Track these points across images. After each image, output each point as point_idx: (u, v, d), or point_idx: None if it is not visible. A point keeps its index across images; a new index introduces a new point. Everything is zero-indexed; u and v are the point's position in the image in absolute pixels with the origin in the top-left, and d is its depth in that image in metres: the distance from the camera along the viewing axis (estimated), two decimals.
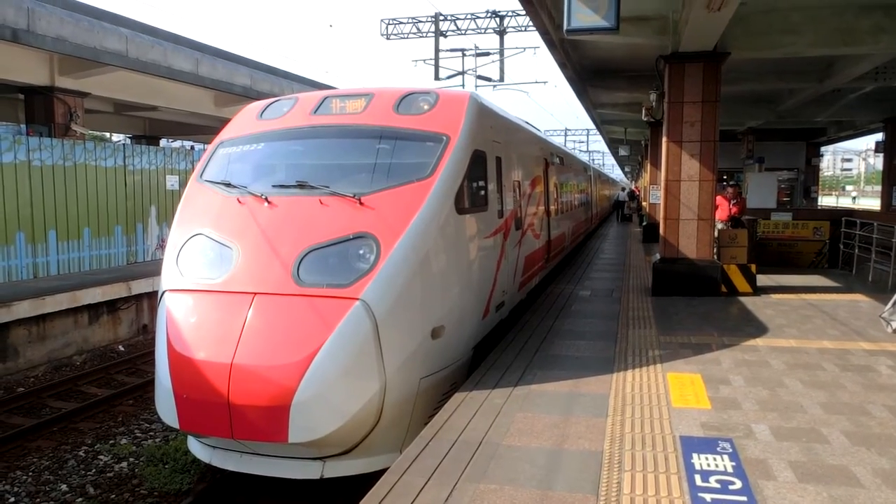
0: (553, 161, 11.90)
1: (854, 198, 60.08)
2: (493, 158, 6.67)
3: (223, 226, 5.28)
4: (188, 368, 4.55)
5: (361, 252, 4.82)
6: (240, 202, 5.40)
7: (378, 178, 5.35)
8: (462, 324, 5.63)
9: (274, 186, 5.48)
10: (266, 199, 5.32)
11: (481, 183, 6.27)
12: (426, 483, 3.63)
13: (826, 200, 48.38)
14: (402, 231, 4.89)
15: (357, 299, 4.56)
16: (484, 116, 6.50)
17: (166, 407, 4.71)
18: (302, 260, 4.81)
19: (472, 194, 5.94)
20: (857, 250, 11.99)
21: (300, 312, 4.57)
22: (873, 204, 41.05)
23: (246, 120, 6.45)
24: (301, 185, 5.34)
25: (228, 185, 5.60)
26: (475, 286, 5.99)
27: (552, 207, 11.29)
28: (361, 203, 5.08)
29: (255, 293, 4.71)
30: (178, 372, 4.60)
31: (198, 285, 4.98)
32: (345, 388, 4.43)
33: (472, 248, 5.95)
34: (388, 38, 23.22)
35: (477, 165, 6.05)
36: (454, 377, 5.55)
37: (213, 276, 4.98)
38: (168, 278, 5.21)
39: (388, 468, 3.87)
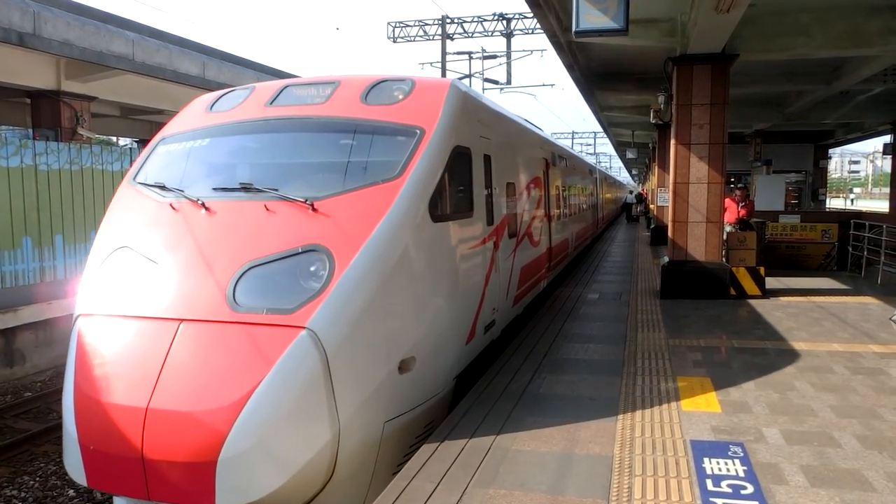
0: (555, 162, 11.26)
1: (852, 200, 59.59)
2: (481, 157, 5.89)
3: (151, 237, 4.45)
4: (96, 414, 3.73)
5: (312, 269, 4.00)
6: (173, 208, 4.57)
7: (337, 179, 4.54)
8: (439, 352, 4.76)
9: (214, 190, 4.64)
10: (203, 204, 4.48)
11: (465, 185, 5.51)
12: (435, 488, 3.62)
13: (834, 203, 48.09)
14: (362, 243, 4.07)
15: (303, 328, 3.73)
16: (469, 108, 5.69)
17: (73, 459, 3.85)
18: (240, 279, 3.98)
19: (452, 198, 5.14)
20: (865, 252, 11.91)
21: (234, 344, 3.75)
22: (873, 206, 40.78)
23: (193, 113, 5.62)
24: (245, 188, 4.50)
25: (163, 188, 4.79)
26: (456, 306, 5.09)
27: (553, 212, 10.66)
28: (314, 209, 4.24)
29: (181, 320, 3.88)
30: (84, 417, 3.78)
31: (115, 310, 4.13)
32: (287, 438, 3.60)
33: (453, 261, 5.10)
34: (394, 41, 23.28)
35: (459, 164, 5.27)
36: (430, 415, 4.69)
37: (133, 298, 4.13)
38: (82, 300, 4.35)
39: None
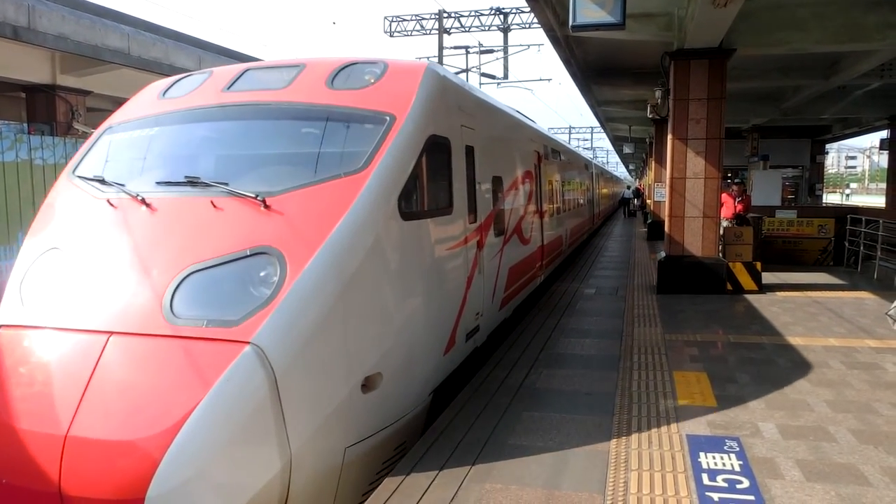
0: (548, 155, 10.80)
1: (847, 195, 59.82)
2: (462, 148, 5.45)
3: (83, 238, 3.99)
4: (9, 442, 3.22)
5: (260, 274, 3.55)
6: (111, 205, 4.10)
7: (294, 172, 4.10)
8: (412, 365, 4.30)
9: (158, 184, 4.17)
10: (143, 200, 4.02)
11: (443, 178, 5.03)
12: (431, 483, 3.62)
13: (830, 198, 48.23)
14: (319, 244, 3.63)
15: (246, 343, 3.26)
16: (448, 94, 5.24)
17: None
18: (179, 286, 3.52)
19: (426, 193, 4.68)
20: (862, 248, 11.94)
21: (168, 362, 3.27)
22: (869, 201, 40.89)
23: (144, 99, 5.15)
24: (192, 183, 4.04)
25: (103, 182, 4.32)
26: (432, 313, 4.61)
27: (546, 207, 10.21)
28: (267, 206, 3.80)
29: (110, 333, 3.39)
30: None
31: (38, 321, 3.63)
32: (228, 469, 3.11)
33: (427, 263, 4.61)
34: (391, 36, 23.19)
35: (435, 155, 4.79)
36: (401, 437, 4.21)
37: (59, 308, 3.64)
38: (5, 309, 3.87)
39: None
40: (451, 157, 5.16)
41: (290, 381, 3.32)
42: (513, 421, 4.52)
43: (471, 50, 24.01)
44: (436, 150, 4.81)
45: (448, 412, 4.69)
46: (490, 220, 6.35)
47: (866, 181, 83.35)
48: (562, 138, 23.51)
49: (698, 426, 4.42)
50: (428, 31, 22.90)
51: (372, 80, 4.62)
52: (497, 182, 6.79)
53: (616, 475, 3.68)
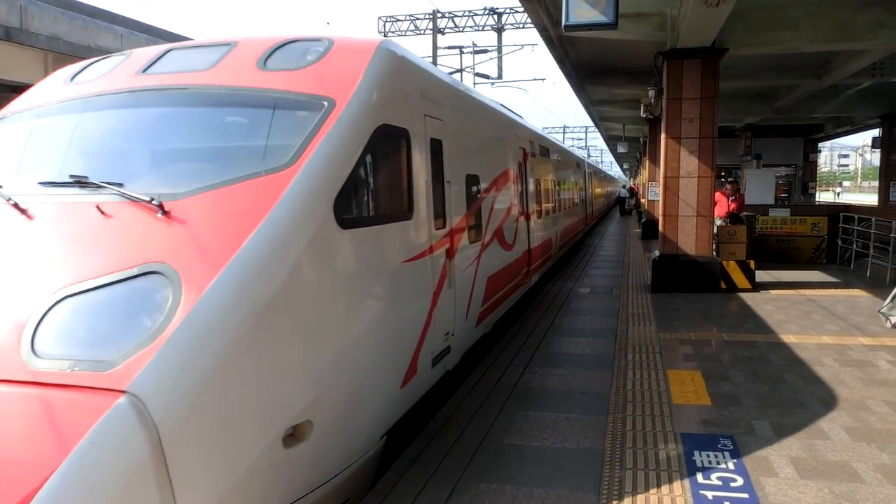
0: (535, 152, 10.04)
1: (837, 193, 60.34)
2: (426, 141, 4.67)
3: None
4: None
5: (149, 300, 2.75)
6: None
7: (204, 169, 3.43)
8: (356, 406, 3.52)
9: (42, 185, 3.42)
10: (16, 205, 3.25)
11: (398, 177, 4.24)
12: (426, 482, 3.62)
13: (823, 196, 48.55)
14: (226, 260, 2.85)
15: (122, 392, 2.44)
16: (406, 77, 4.48)
17: None
18: (46, 315, 2.69)
19: (375, 195, 3.95)
20: (854, 246, 12.00)
21: (20, 418, 2.44)
22: (860, 199, 41.16)
23: (49, 85, 4.46)
24: (80, 183, 3.30)
25: None
26: (384, 340, 3.84)
27: (534, 209, 9.51)
28: (165, 212, 3.04)
29: None
30: None
31: None
32: None
33: (376, 279, 3.83)
34: (385, 36, 23.17)
35: (388, 150, 4.07)
36: (343, 493, 3.49)
37: None
38: None
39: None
40: (410, 152, 4.31)
41: (180, 441, 2.48)
42: (508, 420, 4.52)
43: (465, 50, 24.03)
44: (388, 143, 4.04)
45: (443, 412, 4.69)
46: (464, 224, 5.58)
47: (859, 179, 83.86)
48: (556, 138, 23.31)
49: (692, 424, 4.43)
50: (422, 32, 22.91)
51: (312, 60, 3.89)
52: (473, 181, 6.05)
53: (611, 474, 3.68)
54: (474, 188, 6.09)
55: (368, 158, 3.76)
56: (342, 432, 3.40)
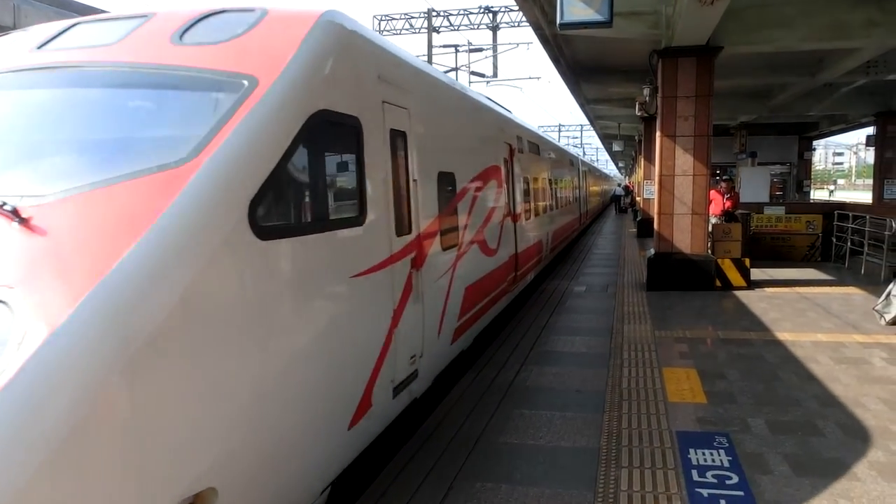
0: (522, 148, 9.32)
1: (831, 191, 60.86)
2: (385, 133, 3.97)
3: None
4: None
5: None
6: None
7: (84, 165, 2.76)
8: (283, 459, 2.85)
9: None
10: None
11: (346, 175, 3.63)
12: (422, 482, 3.60)
13: (817, 194, 48.83)
14: (90, 284, 2.17)
15: None
16: (358, 56, 3.78)
17: None
18: None
19: (312, 197, 3.28)
20: (849, 243, 12.04)
21: None
22: (854, 197, 41.39)
23: None
24: None
25: None
26: (323, 374, 3.14)
27: (521, 210, 8.83)
28: (22, 220, 2.35)
29: None
30: None
31: None
32: None
33: (313, 300, 3.14)
34: (380, 34, 23.13)
35: (329, 140, 3.43)
36: None
37: None
38: None
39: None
40: (361, 145, 3.63)
41: None
42: (503, 419, 4.51)
43: (460, 48, 24.01)
44: (330, 134, 3.39)
45: (439, 411, 4.68)
46: (435, 228, 4.88)
47: (853, 177, 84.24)
48: (551, 136, 23.20)
49: (688, 422, 4.43)
50: (417, 30, 22.88)
51: (239, 33, 3.26)
52: (447, 180, 5.35)
53: (606, 472, 3.68)
54: (449, 187, 5.42)
55: (300, 151, 3.07)
56: (263, 495, 2.71)
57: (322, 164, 3.39)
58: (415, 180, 4.47)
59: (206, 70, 3.06)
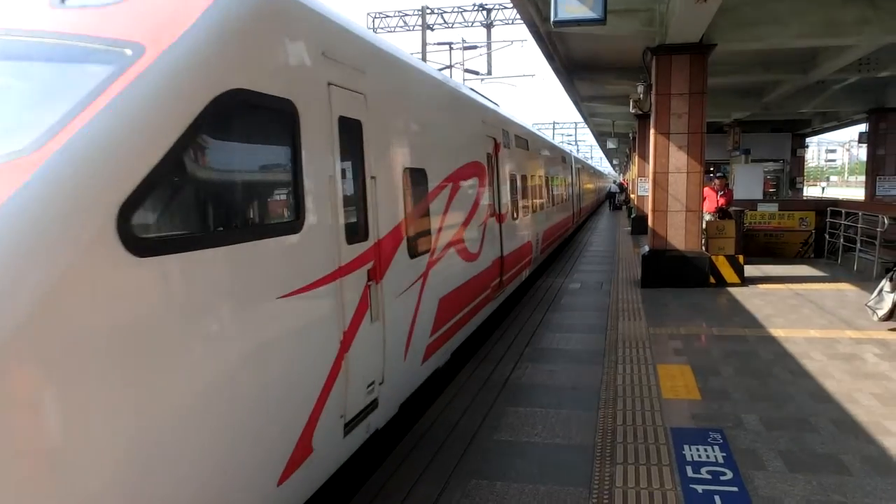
0: (508, 143, 8.69)
1: (822, 188, 61.50)
2: (332, 122, 3.35)
3: None
4: None
5: None
6: None
7: None
8: None
9: None
10: None
11: (274, 171, 3.05)
12: (417, 480, 3.60)
13: (809, 191, 49.16)
14: None
15: None
16: (289, 25, 3.13)
17: None
18: None
19: (222, 199, 2.68)
20: (842, 240, 12.11)
21: None
22: (845, 194, 41.67)
23: None
24: None
25: None
26: (236, 421, 2.53)
27: (507, 209, 8.25)
28: None
29: None
30: None
31: None
32: None
33: (224, 331, 2.51)
34: (374, 32, 23.08)
35: (247, 127, 2.79)
36: None
37: None
38: None
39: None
40: (297, 135, 3.00)
41: None
42: (498, 417, 4.51)
43: (454, 46, 23.98)
44: (248, 119, 2.75)
45: (434, 409, 4.68)
46: (400, 233, 4.25)
47: (846, 174, 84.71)
48: (546, 133, 23.03)
49: (682, 419, 4.44)
50: (411, 28, 22.83)
51: None
52: (417, 178, 4.77)
53: (601, 469, 3.68)
54: (420, 186, 4.80)
55: (202, 140, 2.46)
56: None
57: (236, 158, 2.74)
58: (373, 178, 3.84)
59: (82, 37, 2.46)
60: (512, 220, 8.60)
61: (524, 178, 9.87)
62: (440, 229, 5.24)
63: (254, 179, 2.91)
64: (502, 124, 8.54)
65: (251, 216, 2.83)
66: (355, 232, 3.58)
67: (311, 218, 3.07)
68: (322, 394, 3.13)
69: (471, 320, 6.29)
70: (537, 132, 13.89)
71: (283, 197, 3.04)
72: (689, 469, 3.66)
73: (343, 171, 3.45)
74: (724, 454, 3.84)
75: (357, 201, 3.67)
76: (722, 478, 3.55)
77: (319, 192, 3.18)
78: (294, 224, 2.98)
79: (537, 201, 11.26)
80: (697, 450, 3.91)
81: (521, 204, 9.39)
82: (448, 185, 5.54)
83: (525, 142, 10.40)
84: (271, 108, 2.88)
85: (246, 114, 2.75)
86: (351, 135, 3.60)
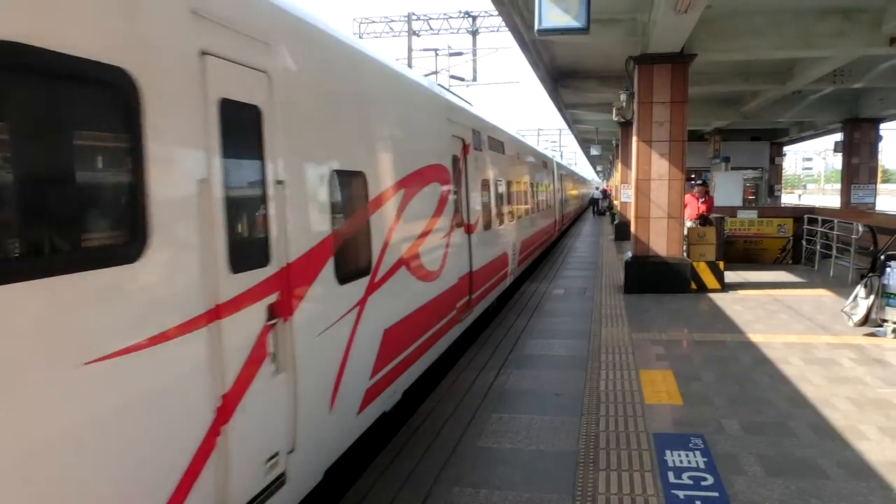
0: (480, 145, 7.89)
1: (799, 196, 63.00)
2: (211, 106, 2.56)
3: None
4: None
5: None
6: None
7: None
8: None
9: None
10: None
11: (88, 174, 2.23)
12: (400, 488, 3.59)
13: (786, 198, 50.13)
14: None
15: None
16: None
17: None
18: None
19: None
20: (818, 247, 12.34)
21: None
22: (821, 201, 42.51)
23: None
24: None
25: None
26: None
27: (478, 218, 7.47)
28: None
29: None
30: None
31: None
32: None
33: None
34: (360, 37, 23.07)
35: (34, 106, 1.91)
36: None
37: None
38: None
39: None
40: (137, 120, 2.19)
41: None
42: (482, 424, 4.52)
43: (440, 52, 24.07)
44: (40, 94, 1.94)
45: (418, 416, 4.67)
46: (322, 254, 3.38)
47: (822, 182, 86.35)
48: (530, 139, 23.00)
49: (664, 424, 4.49)
50: (397, 34, 22.88)
51: None
52: (351, 183, 3.89)
53: (585, 475, 3.71)
54: (356, 194, 3.96)
55: None
56: None
57: (19, 152, 1.89)
58: (280, 183, 2.97)
59: None
60: (484, 231, 7.85)
61: (499, 183, 9.19)
62: (386, 245, 4.35)
63: (45, 182, 1.95)
64: (473, 123, 7.74)
65: (44, 239, 1.92)
66: (247, 255, 2.72)
67: (159, 239, 2.21)
68: (182, 484, 2.28)
69: (431, 349, 5.41)
70: (516, 135, 12.98)
71: (108, 209, 2.22)
72: (670, 475, 3.70)
73: (227, 174, 2.59)
74: (705, 459, 3.89)
75: (251, 214, 2.84)
76: (703, 483, 3.60)
77: (179, 201, 2.35)
78: (127, 249, 2.12)
79: (515, 209, 10.61)
80: (679, 455, 3.96)
81: (494, 212, 8.67)
82: (398, 191, 4.67)
83: (500, 144, 9.66)
84: (87, 78, 2.02)
85: (33, 86, 1.89)
86: (243, 125, 2.78)
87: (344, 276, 3.64)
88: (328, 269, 3.46)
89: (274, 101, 2.97)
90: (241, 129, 2.75)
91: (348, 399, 3.68)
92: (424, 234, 5.29)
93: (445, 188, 5.97)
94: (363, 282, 3.95)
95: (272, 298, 2.87)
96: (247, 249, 2.76)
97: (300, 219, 3.20)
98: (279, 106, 3.01)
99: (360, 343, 3.83)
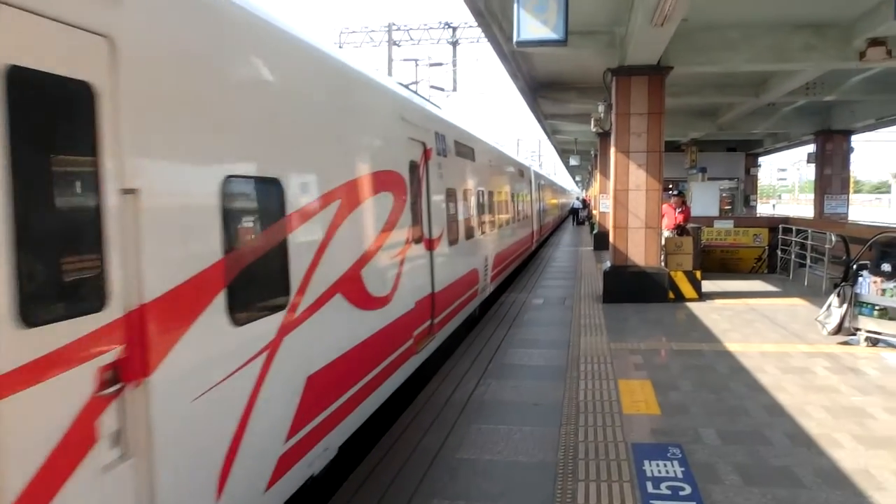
0: (444, 150, 7.06)
1: (773, 205, 64.53)
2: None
3: None
4: None
5: None
6: None
7: None
8: None
9: None
10: None
11: None
12: (380, 500, 3.53)
13: (761, 208, 51.17)
14: None
15: None
16: None
17: None
18: None
19: None
20: (793, 256, 12.56)
21: None
22: (795, 211, 43.46)
23: None
24: None
25: None
26: None
27: (442, 233, 6.64)
28: None
29: None
30: None
31: None
32: None
33: None
34: (340, 47, 23.06)
35: None
36: None
37: None
38: None
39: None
40: None
41: None
42: (461, 434, 4.48)
43: (420, 62, 24.17)
44: None
45: (397, 427, 4.61)
46: (204, 286, 2.62)
47: (796, 192, 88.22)
48: (510, 149, 22.66)
49: (643, 434, 4.50)
50: (378, 44, 22.92)
51: None
52: (255, 193, 3.16)
53: (563, 487, 3.69)
54: (265, 206, 3.22)
55: None
56: None
57: None
58: (129, 192, 2.20)
59: None
60: (450, 246, 7.02)
61: (468, 193, 8.38)
62: (312, 270, 3.51)
63: None
64: (436, 127, 6.82)
65: None
66: (59, 298, 2.00)
67: None
68: None
69: (379, 388, 4.56)
70: (489, 141, 11.84)
71: None
72: (649, 485, 3.70)
73: (17, 179, 1.80)
74: (683, 469, 3.90)
75: (70, 237, 2.06)
76: (681, 493, 3.60)
77: None
78: None
79: (486, 220, 9.78)
80: (657, 465, 3.96)
81: (463, 225, 7.86)
82: (332, 203, 3.83)
83: (470, 150, 8.71)
84: None
85: None
86: (58, 110, 2.00)
87: (244, 315, 2.84)
88: (215, 306, 2.64)
89: (122, 78, 2.17)
90: (54, 116, 1.99)
91: (248, 476, 2.84)
92: (370, 254, 4.44)
93: (400, 199, 5.15)
94: (275, 319, 3.12)
95: (110, 357, 2.09)
96: (56, 289, 1.99)
97: (165, 241, 2.39)
98: (130, 85, 2.21)
99: (270, 399, 2.99)
